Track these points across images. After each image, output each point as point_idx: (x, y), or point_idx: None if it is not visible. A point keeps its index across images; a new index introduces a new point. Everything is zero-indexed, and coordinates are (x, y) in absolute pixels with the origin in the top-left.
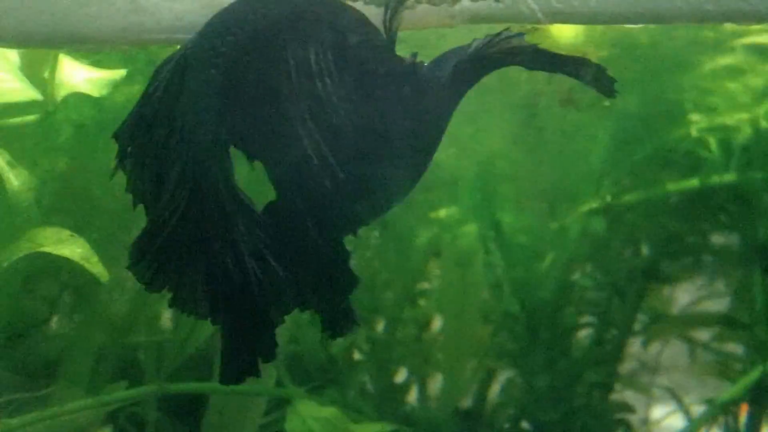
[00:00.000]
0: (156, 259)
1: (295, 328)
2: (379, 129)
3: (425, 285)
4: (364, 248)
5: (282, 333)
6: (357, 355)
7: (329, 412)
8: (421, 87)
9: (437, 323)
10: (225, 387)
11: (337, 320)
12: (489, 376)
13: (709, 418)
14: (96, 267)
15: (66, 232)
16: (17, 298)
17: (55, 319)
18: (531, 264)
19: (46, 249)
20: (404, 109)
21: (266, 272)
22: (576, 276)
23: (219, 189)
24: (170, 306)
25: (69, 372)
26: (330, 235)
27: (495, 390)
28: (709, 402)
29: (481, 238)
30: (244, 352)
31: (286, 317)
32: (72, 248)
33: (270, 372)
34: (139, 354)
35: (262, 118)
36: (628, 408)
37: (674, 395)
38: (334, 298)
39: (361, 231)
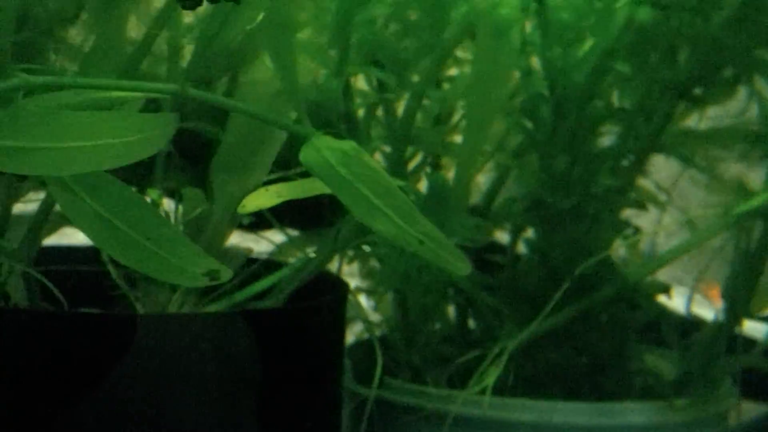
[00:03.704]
0: None
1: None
2: None
3: (454, 71)
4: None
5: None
6: (375, 131)
7: (347, 144)
8: None
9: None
10: (244, 107)
11: None
12: (503, 173)
13: (721, 231)
14: None
15: None
16: None
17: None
18: (570, 45)
19: None
20: None
21: None
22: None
23: None
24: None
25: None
26: None
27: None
28: (724, 214)
29: (522, 10)
30: None
31: None
32: None
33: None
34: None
35: None
36: (642, 206)
37: (682, 212)
38: None
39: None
